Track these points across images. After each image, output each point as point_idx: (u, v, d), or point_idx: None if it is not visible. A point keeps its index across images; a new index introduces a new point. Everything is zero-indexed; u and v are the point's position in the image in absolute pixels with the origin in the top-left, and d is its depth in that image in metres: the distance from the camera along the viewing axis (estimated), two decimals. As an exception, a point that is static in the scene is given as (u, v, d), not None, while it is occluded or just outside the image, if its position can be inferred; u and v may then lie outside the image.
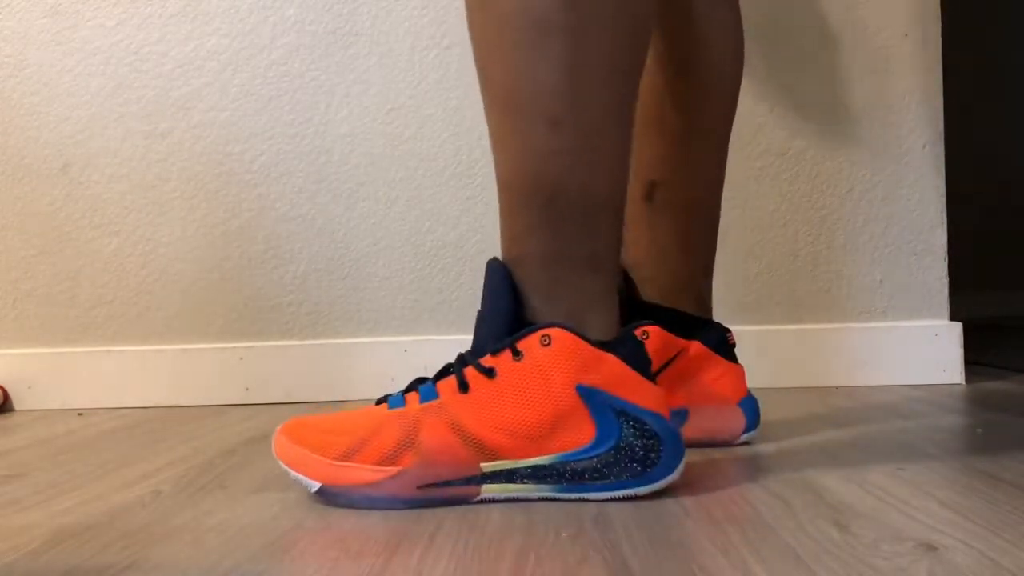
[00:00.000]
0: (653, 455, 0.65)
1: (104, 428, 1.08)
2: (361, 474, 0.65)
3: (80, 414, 1.20)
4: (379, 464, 0.65)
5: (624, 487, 0.65)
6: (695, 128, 0.85)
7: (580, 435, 0.64)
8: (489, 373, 0.65)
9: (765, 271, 1.24)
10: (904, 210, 1.23)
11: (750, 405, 0.83)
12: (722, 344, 0.83)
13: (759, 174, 1.23)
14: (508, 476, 0.65)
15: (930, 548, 0.52)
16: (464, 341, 1.23)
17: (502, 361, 0.65)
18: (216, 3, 1.26)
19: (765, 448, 0.82)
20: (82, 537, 0.61)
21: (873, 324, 1.22)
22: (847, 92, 1.23)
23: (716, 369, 0.83)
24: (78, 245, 1.28)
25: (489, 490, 0.66)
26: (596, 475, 0.65)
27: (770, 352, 1.22)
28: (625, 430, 0.64)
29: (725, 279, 1.24)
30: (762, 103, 1.23)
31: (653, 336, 0.80)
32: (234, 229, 1.27)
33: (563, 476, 0.65)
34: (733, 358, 0.84)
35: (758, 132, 1.23)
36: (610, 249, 0.67)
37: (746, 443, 0.84)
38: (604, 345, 0.65)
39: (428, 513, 0.64)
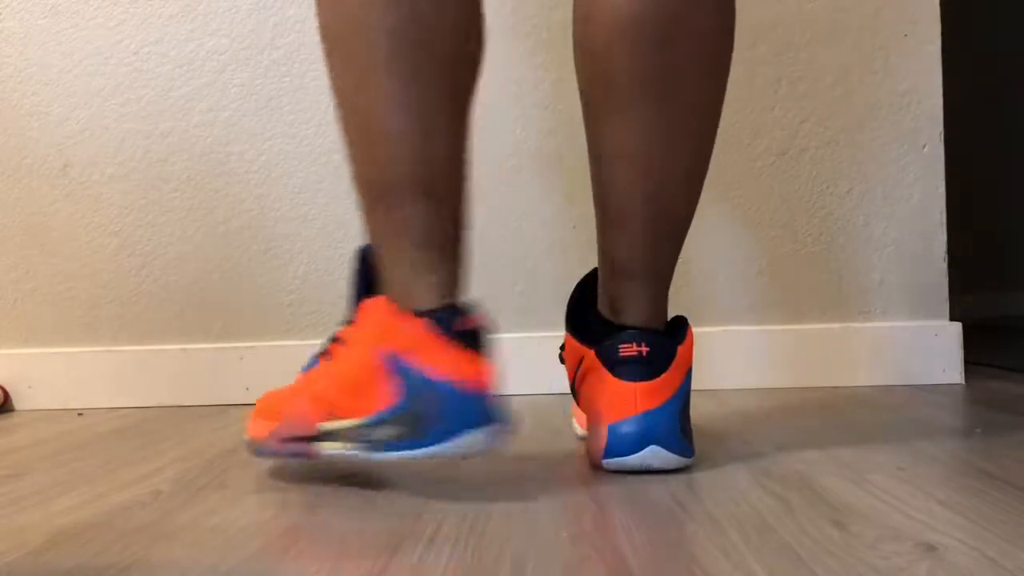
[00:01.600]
0: (434, 421, 0.66)
1: (104, 428, 1.08)
2: (260, 429, 0.77)
3: (80, 414, 1.20)
4: (272, 420, 0.76)
5: (408, 448, 0.67)
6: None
7: (385, 398, 0.68)
8: (340, 341, 0.74)
9: (765, 271, 1.24)
10: (904, 210, 1.23)
11: (617, 431, 0.73)
12: (608, 358, 0.75)
13: (759, 174, 1.24)
14: (336, 435, 0.71)
15: (930, 548, 0.52)
16: (464, 341, 1.23)
17: (345, 330, 0.74)
18: (216, 3, 1.26)
19: (765, 448, 0.82)
20: (82, 537, 0.61)
21: (873, 324, 1.22)
22: (847, 92, 1.23)
23: (598, 383, 0.75)
24: (78, 245, 1.28)
25: (327, 447, 0.71)
26: (397, 435, 0.68)
27: (770, 352, 1.22)
28: (414, 393, 0.67)
29: (725, 279, 1.24)
30: (762, 103, 1.23)
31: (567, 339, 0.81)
32: (234, 229, 1.27)
33: (378, 436, 0.68)
34: (621, 375, 0.74)
35: (758, 132, 1.23)
36: (430, 226, 0.71)
37: (614, 471, 0.74)
38: (422, 313, 0.68)
39: (428, 513, 0.64)
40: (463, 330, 0.67)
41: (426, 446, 0.66)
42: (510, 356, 1.23)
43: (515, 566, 0.52)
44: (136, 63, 1.27)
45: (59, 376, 1.26)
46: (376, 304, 0.70)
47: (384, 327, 0.69)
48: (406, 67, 0.70)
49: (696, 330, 1.22)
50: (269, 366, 1.24)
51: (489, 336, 0.69)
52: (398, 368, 0.67)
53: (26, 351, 1.28)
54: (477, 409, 0.66)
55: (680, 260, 1.23)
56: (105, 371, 1.26)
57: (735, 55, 1.22)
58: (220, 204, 1.27)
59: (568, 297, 0.87)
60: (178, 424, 1.09)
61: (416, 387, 0.67)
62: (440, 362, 0.66)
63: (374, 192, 0.72)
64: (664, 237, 0.77)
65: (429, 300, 0.70)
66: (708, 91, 0.75)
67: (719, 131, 1.22)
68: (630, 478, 0.72)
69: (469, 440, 0.66)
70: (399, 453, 0.67)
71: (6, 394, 1.26)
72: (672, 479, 0.71)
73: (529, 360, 1.23)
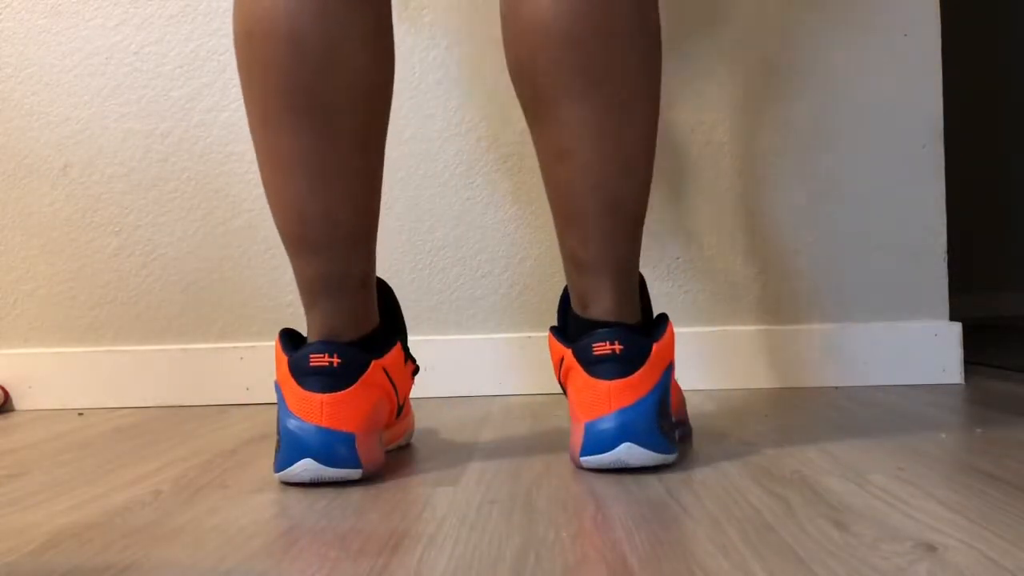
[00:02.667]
0: (282, 448, 0.73)
1: (104, 428, 1.08)
2: None
3: (80, 414, 1.20)
4: None
5: (275, 470, 0.74)
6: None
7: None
8: None
9: (765, 271, 1.24)
10: (904, 210, 1.23)
11: (592, 429, 0.73)
12: (583, 356, 0.75)
13: (759, 174, 1.24)
14: None
15: (930, 548, 0.52)
16: (464, 341, 1.24)
17: None
18: (216, 3, 1.26)
19: (765, 448, 0.82)
20: (82, 537, 0.61)
21: (873, 324, 1.22)
22: (847, 92, 1.23)
23: (576, 382, 0.75)
24: (78, 245, 1.28)
25: None
26: (275, 458, 0.74)
27: (770, 352, 1.22)
28: (280, 422, 0.73)
29: (725, 279, 1.24)
30: (762, 103, 1.23)
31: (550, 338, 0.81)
32: (234, 229, 1.27)
33: (276, 457, 0.75)
34: (596, 373, 0.74)
35: (758, 132, 1.23)
36: (316, 273, 0.77)
37: (592, 469, 0.74)
38: (293, 350, 0.76)
39: (428, 513, 0.64)
40: (306, 363, 0.73)
41: (276, 471, 0.74)
42: (510, 356, 1.23)
43: (515, 565, 0.52)
44: (136, 63, 1.27)
45: (59, 376, 1.26)
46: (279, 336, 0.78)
47: (277, 358, 0.76)
48: (299, 123, 0.74)
49: (696, 330, 1.22)
50: (269, 366, 1.24)
51: (344, 370, 0.73)
52: (279, 397, 0.75)
53: (26, 351, 1.28)
54: (299, 444, 0.71)
55: (679, 260, 1.24)
56: (105, 371, 1.26)
57: (734, 55, 1.23)
58: (220, 204, 1.27)
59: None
60: (178, 424, 1.09)
61: (280, 416, 0.74)
62: (290, 396, 0.73)
63: (279, 233, 0.78)
64: (615, 231, 0.78)
65: (310, 336, 0.77)
66: (633, 86, 0.76)
67: (719, 131, 1.23)
68: (629, 477, 0.72)
69: (292, 473, 0.72)
70: (276, 475, 0.74)
71: (6, 394, 1.26)
72: (672, 478, 0.71)
73: (529, 360, 1.23)
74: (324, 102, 0.74)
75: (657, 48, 0.79)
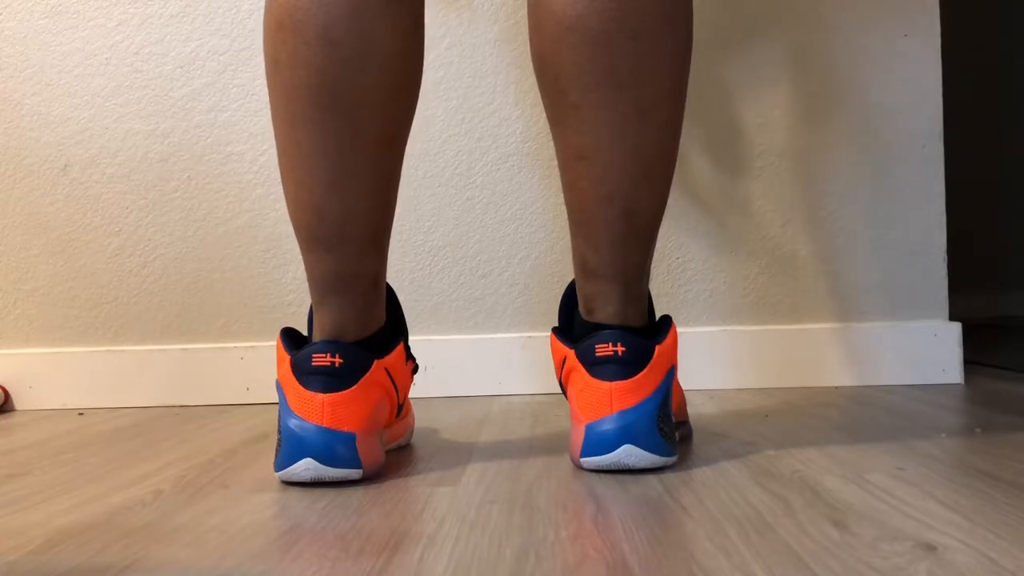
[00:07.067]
0: (283, 447, 0.73)
1: (104, 428, 1.08)
2: None
3: (80, 414, 1.20)
4: None
5: (276, 469, 0.74)
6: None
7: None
8: None
9: (765, 271, 1.24)
10: (904, 210, 1.23)
11: (593, 430, 0.73)
12: (585, 358, 0.75)
13: (759, 174, 1.24)
14: None
15: (930, 548, 0.52)
16: (464, 341, 1.24)
17: None
18: (216, 3, 1.26)
19: (765, 448, 0.82)
20: (82, 537, 0.61)
21: (873, 324, 1.22)
22: (847, 92, 1.23)
23: (578, 383, 0.75)
24: (79, 245, 1.28)
25: None
26: (276, 457, 0.75)
27: (770, 352, 1.22)
28: (282, 421, 0.74)
29: (725, 279, 1.24)
30: (762, 103, 1.23)
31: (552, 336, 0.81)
32: (234, 229, 1.27)
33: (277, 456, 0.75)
34: (598, 375, 0.74)
35: (758, 132, 1.23)
36: (327, 271, 0.76)
37: (591, 469, 0.75)
38: (297, 349, 0.76)
39: (428, 513, 0.64)
40: (308, 363, 0.73)
41: (277, 470, 0.74)
42: (510, 356, 1.23)
43: (515, 565, 0.52)
44: (136, 63, 1.27)
45: (59, 376, 1.26)
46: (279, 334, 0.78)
47: (279, 357, 0.76)
48: (324, 119, 0.73)
49: (696, 330, 1.22)
50: (269, 366, 1.24)
51: (346, 370, 0.73)
52: (280, 397, 0.75)
53: (26, 351, 1.28)
54: (300, 444, 0.71)
55: (680, 260, 1.24)
56: (105, 371, 1.26)
57: (735, 54, 1.23)
58: (220, 204, 1.27)
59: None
60: (178, 424, 1.09)
61: (282, 415, 0.74)
62: (292, 396, 0.73)
63: (294, 229, 0.78)
64: (628, 238, 0.76)
65: (316, 332, 0.77)
66: (658, 90, 0.74)
67: (720, 131, 1.23)
68: (629, 478, 0.72)
69: (293, 472, 0.72)
70: (277, 474, 0.74)
71: (6, 394, 1.26)
72: (671, 478, 0.71)
73: (529, 360, 1.23)
74: (351, 100, 0.73)
75: (687, 51, 0.76)
